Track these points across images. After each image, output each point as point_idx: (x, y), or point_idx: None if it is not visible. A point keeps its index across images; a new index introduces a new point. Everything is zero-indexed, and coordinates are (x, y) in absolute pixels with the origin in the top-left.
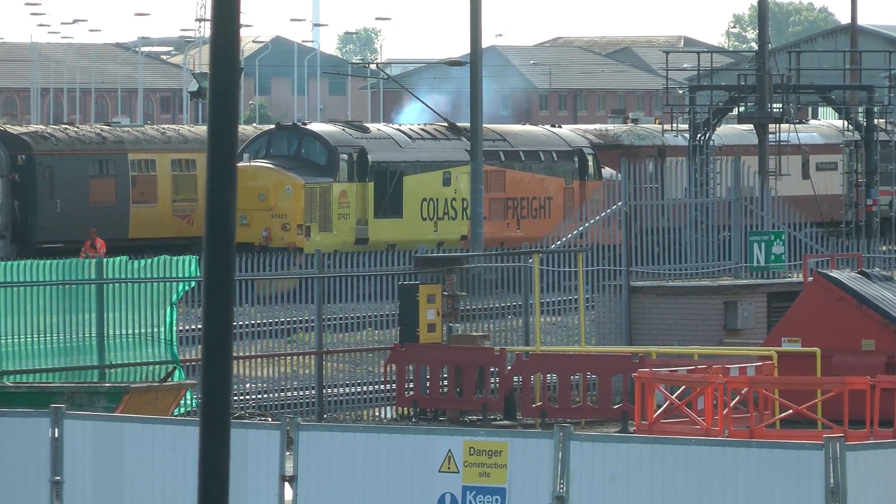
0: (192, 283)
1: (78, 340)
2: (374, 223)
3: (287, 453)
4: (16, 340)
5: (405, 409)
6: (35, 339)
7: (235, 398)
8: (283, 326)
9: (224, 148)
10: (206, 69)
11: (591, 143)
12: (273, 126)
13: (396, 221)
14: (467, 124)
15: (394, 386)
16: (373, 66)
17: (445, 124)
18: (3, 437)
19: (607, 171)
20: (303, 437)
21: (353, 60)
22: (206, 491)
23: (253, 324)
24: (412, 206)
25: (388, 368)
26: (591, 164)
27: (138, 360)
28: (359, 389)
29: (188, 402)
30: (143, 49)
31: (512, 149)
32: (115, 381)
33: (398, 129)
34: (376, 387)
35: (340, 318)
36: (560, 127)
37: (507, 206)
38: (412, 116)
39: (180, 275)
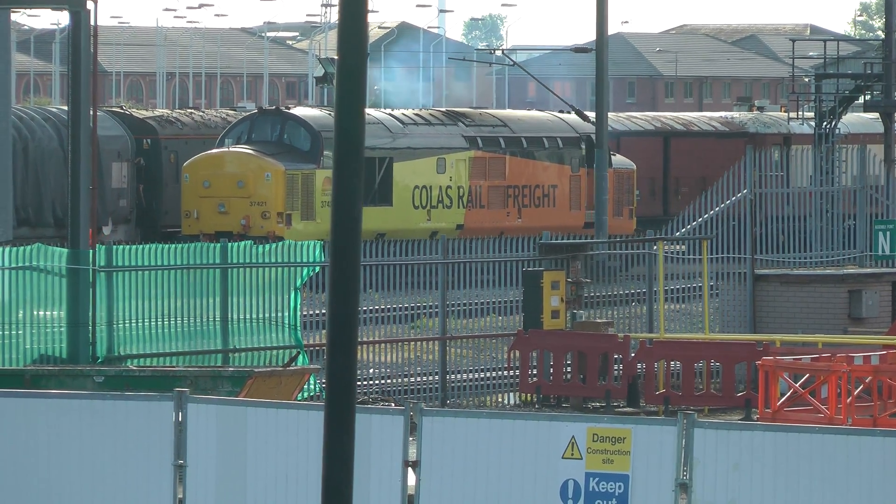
0: (317, 268)
1: (202, 325)
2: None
3: (410, 439)
4: (140, 324)
5: (528, 395)
6: (159, 323)
7: (359, 383)
8: (406, 312)
9: (351, 133)
10: (332, 54)
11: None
12: (255, 110)
13: (386, 210)
14: (466, 109)
15: (517, 372)
16: (498, 53)
17: (442, 109)
18: (127, 420)
19: (618, 159)
20: (426, 423)
21: (479, 47)
22: (331, 476)
23: (377, 309)
24: (403, 194)
25: (512, 354)
26: None
27: (262, 345)
28: (482, 375)
29: (312, 386)
30: (268, 34)
31: (513, 135)
32: (238, 365)
33: (389, 114)
34: (499, 373)
35: (464, 304)
36: (568, 112)
37: (507, 195)
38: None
39: (304, 260)
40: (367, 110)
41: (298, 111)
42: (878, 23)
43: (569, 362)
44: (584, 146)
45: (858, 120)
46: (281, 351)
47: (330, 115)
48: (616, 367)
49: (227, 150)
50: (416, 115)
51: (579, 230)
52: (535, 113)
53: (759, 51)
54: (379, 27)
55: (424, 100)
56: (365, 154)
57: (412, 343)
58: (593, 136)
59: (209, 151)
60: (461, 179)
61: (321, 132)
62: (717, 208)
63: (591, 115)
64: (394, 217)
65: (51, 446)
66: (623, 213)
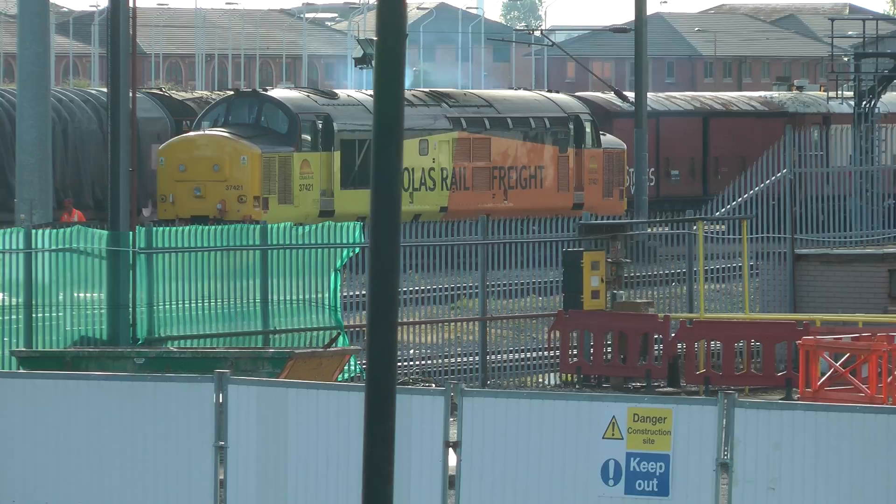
0: (356, 249)
1: (242, 306)
2: (340, 194)
3: (451, 419)
4: (180, 306)
5: (569, 375)
6: (200, 304)
7: (400, 364)
8: (447, 293)
9: (390, 114)
10: (371, 35)
11: (591, 109)
12: (232, 92)
13: (366, 192)
14: (450, 89)
15: (558, 352)
16: (537, 33)
17: (426, 90)
18: (168, 402)
19: (609, 139)
20: (467, 403)
21: (518, 27)
22: (372, 456)
23: (417, 290)
24: None
25: (552, 335)
26: (588, 130)
27: (302, 326)
28: (522, 356)
29: (352, 367)
30: (307, 15)
31: (498, 115)
32: (279, 346)
33: (370, 96)
34: (540, 353)
35: (504, 285)
36: (557, 92)
37: (492, 176)
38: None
39: (344, 241)
40: (347, 92)
41: (276, 93)
42: None
43: (609, 342)
44: (572, 126)
45: None
46: (321, 332)
47: (308, 96)
48: (656, 347)
49: (202, 133)
50: None
51: (567, 212)
52: (521, 93)
53: (799, 30)
54: (418, 8)
55: (463, 81)
56: (343, 136)
57: (452, 324)
58: (581, 116)
59: (184, 135)
60: (445, 161)
61: (299, 114)
62: (757, 188)
63: (631, 95)
64: None
65: (91, 428)
66: (613, 194)
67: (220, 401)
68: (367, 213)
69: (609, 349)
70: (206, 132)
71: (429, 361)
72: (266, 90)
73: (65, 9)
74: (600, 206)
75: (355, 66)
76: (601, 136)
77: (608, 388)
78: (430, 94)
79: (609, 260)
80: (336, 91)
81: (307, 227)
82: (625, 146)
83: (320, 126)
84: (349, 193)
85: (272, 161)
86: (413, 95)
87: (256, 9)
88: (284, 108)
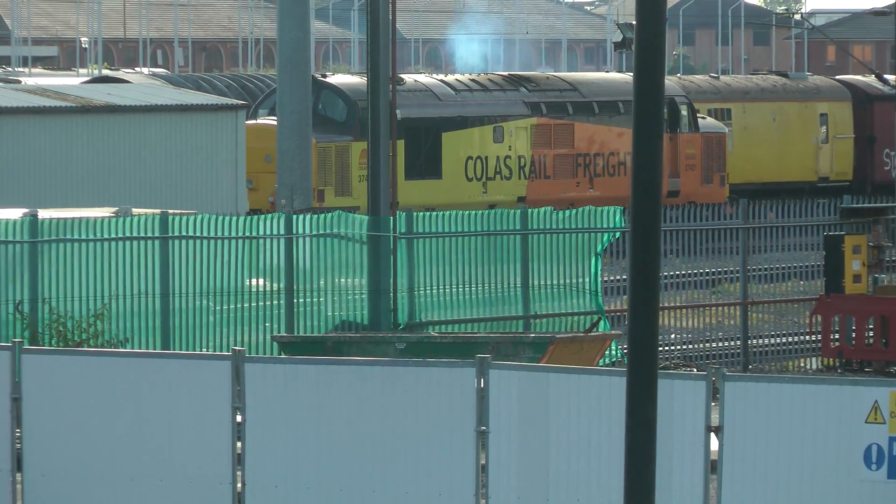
0: (617, 234)
1: (502, 291)
2: (404, 185)
3: (712, 404)
4: (441, 291)
5: (830, 359)
6: (459, 289)
7: (661, 348)
8: (707, 277)
9: (651, 99)
10: (630, 20)
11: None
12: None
13: (434, 183)
14: (531, 73)
15: (819, 337)
16: (797, 17)
17: (504, 74)
18: (429, 387)
19: (707, 122)
20: (729, 388)
21: (778, 11)
22: (634, 440)
23: (677, 274)
24: (454, 166)
25: (814, 319)
26: (684, 114)
27: (563, 311)
28: (784, 340)
29: (613, 352)
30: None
31: (583, 100)
32: (539, 331)
33: (441, 81)
34: (801, 338)
35: (765, 269)
36: (867, 75)
37: (576, 164)
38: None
39: (605, 225)
40: (415, 77)
41: (335, 79)
42: None
43: (871, 326)
44: (666, 110)
45: None
46: (582, 317)
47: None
48: None
49: (254, 122)
50: (472, 80)
51: (662, 200)
52: (609, 75)
53: None
54: None
55: (723, 64)
56: (408, 124)
57: (713, 308)
58: (676, 99)
59: None
60: (522, 148)
61: (358, 101)
62: None
63: (892, 78)
64: (443, 191)
65: (352, 413)
66: (713, 181)
67: (482, 385)
68: (435, 204)
69: (871, 333)
70: (259, 121)
71: (690, 346)
72: (325, 76)
73: None
74: (699, 194)
75: (615, 50)
76: (699, 120)
77: (870, 372)
78: (507, 79)
79: (871, 244)
80: (403, 76)
81: (567, 212)
82: (726, 130)
83: None
84: (414, 184)
85: (328, 151)
86: (488, 80)
87: None
88: (343, 94)
